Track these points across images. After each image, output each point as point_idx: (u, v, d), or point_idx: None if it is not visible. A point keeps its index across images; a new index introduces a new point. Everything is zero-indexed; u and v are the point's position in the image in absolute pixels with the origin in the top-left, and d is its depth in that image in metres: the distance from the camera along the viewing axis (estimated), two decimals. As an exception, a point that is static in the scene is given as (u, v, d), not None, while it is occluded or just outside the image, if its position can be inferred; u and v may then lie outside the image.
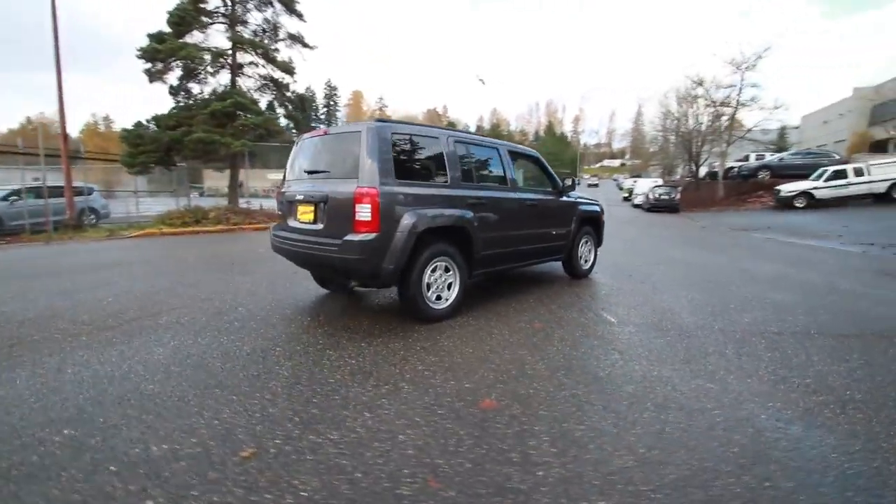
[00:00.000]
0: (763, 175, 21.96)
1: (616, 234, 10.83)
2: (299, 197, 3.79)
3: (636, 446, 1.85)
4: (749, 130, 22.77)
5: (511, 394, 2.34)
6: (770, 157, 23.21)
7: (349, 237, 3.30)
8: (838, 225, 12.27)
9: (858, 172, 16.55)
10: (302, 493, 1.53)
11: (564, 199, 5.11)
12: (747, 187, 21.94)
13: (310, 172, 3.87)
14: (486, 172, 4.30)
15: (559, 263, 5.48)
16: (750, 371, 2.68)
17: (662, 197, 21.46)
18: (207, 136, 12.25)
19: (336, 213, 3.47)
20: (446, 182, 3.78)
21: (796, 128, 40.62)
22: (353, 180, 3.37)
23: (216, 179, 31.94)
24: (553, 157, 60.96)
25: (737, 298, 4.50)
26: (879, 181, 16.14)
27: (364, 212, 3.26)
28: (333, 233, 3.42)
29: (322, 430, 1.95)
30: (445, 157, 3.81)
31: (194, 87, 14.21)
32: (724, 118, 22.50)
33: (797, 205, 17.41)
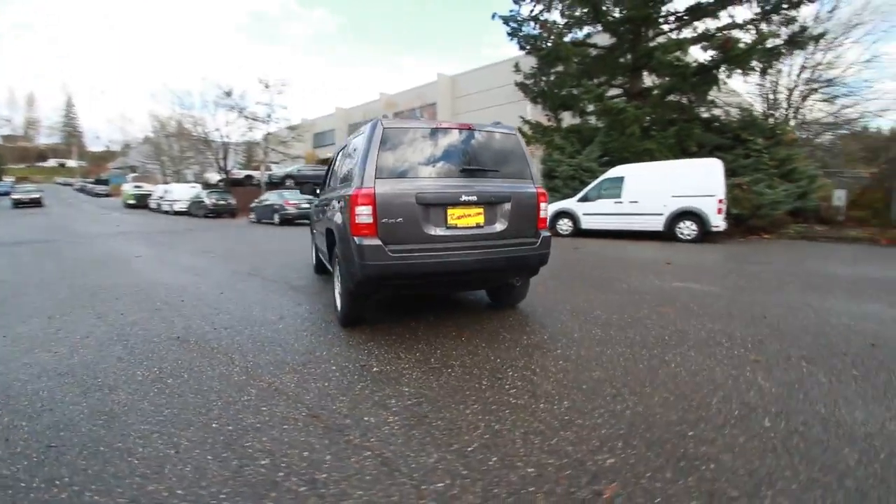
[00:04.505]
0: (289, 182, 26.68)
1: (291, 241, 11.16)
2: (469, 198, 3.42)
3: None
4: (280, 143, 26.84)
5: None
6: (290, 168, 28.30)
7: (545, 234, 3.77)
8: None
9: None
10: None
11: None
12: (280, 193, 26.00)
13: (469, 171, 3.56)
14: None
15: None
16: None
17: (220, 202, 21.67)
18: None
19: (521, 212, 3.62)
20: None
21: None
22: (527, 181, 3.75)
23: None
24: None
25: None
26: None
27: (545, 210, 3.80)
28: (520, 232, 3.61)
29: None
30: None
31: None
32: (258, 131, 25.31)
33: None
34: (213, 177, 29.80)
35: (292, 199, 17.54)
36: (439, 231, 3.36)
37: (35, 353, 3.22)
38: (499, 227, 3.53)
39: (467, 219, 3.43)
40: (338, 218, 3.66)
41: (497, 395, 2.49)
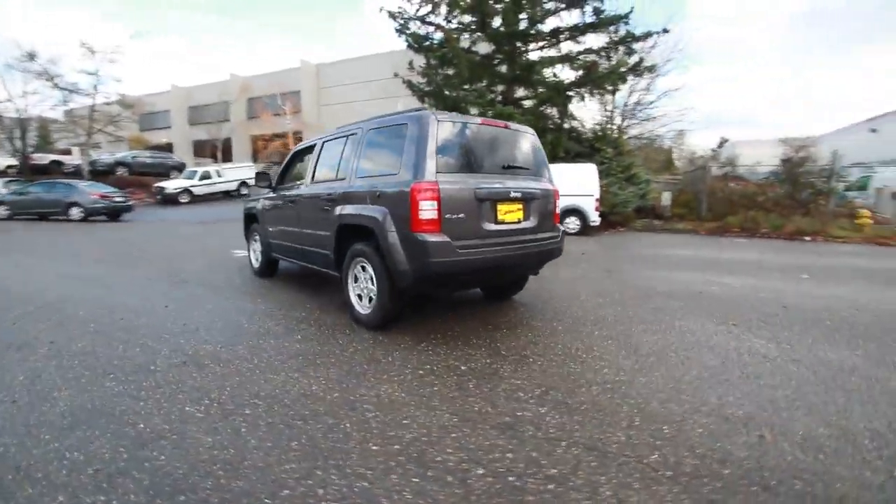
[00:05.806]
0: (122, 171, 21.92)
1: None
2: (515, 195, 3.57)
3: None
4: (112, 122, 21.52)
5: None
6: (123, 154, 23.16)
7: (562, 228, 4.13)
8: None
9: (219, 174, 21.12)
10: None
11: None
12: (111, 182, 21.14)
13: (509, 169, 3.72)
14: None
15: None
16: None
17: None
18: None
19: (543, 209, 3.84)
20: None
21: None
22: (544, 178, 3.99)
23: None
24: None
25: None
26: (231, 181, 21.49)
27: (558, 207, 4.12)
28: (543, 227, 3.81)
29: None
30: None
31: None
32: (75, 105, 19.95)
33: (182, 200, 19.69)
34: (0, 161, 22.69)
35: (104, 192, 15.07)
36: (492, 226, 3.44)
37: (-24, 408, 2.25)
38: (532, 222, 3.75)
39: (511, 214, 3.58)
40: (373, 213, 3.37)
41: (597, 376, 2.71)
